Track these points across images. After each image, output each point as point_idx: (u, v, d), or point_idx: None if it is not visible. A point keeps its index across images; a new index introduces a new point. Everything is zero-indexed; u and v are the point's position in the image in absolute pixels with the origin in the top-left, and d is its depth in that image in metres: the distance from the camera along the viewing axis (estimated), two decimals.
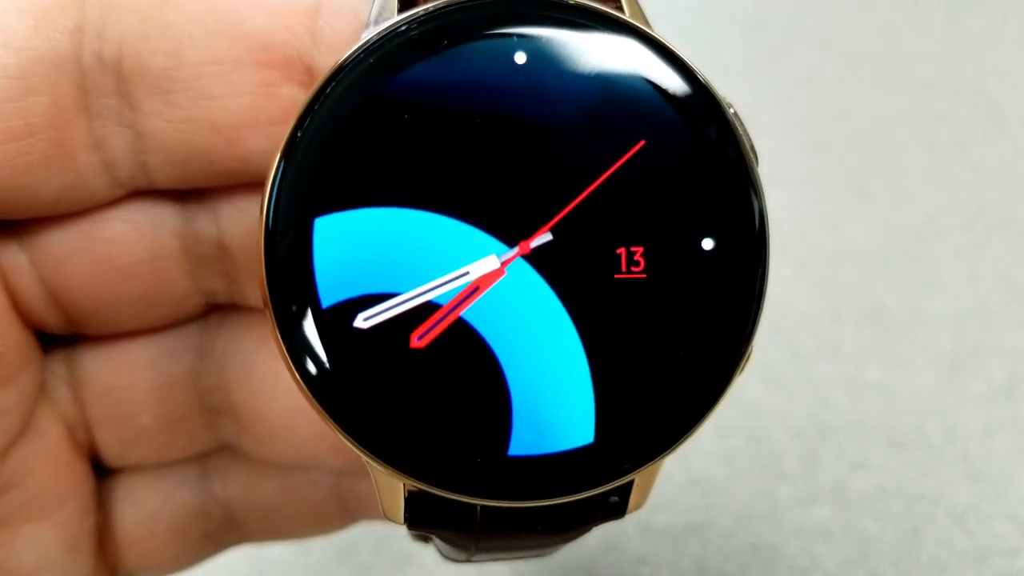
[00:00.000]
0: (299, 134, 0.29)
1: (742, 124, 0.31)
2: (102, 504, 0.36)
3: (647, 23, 0.32)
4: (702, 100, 0.31)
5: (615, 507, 0.32)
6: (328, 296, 0.29)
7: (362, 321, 0.29)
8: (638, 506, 0.32)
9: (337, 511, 0.38)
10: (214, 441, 0.36)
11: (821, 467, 0.53)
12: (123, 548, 0.37)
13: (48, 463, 0.34)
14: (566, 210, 0.30)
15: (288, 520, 0.37)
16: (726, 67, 0.79)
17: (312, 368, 0.29)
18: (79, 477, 0.35)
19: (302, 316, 0.29)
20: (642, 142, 0.30)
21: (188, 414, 0.35)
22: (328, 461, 0.36)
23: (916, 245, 0.66)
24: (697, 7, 0.89)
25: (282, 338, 0.29)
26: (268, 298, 0.29)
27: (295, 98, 0.31)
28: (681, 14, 0.87)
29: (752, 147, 0.31)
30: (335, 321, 0.29)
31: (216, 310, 0.35)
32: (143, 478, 0.37)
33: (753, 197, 0.31)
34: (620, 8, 0.32)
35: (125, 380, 0.35)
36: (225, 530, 0.38)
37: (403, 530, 0.32)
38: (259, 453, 0.36)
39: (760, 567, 0.49)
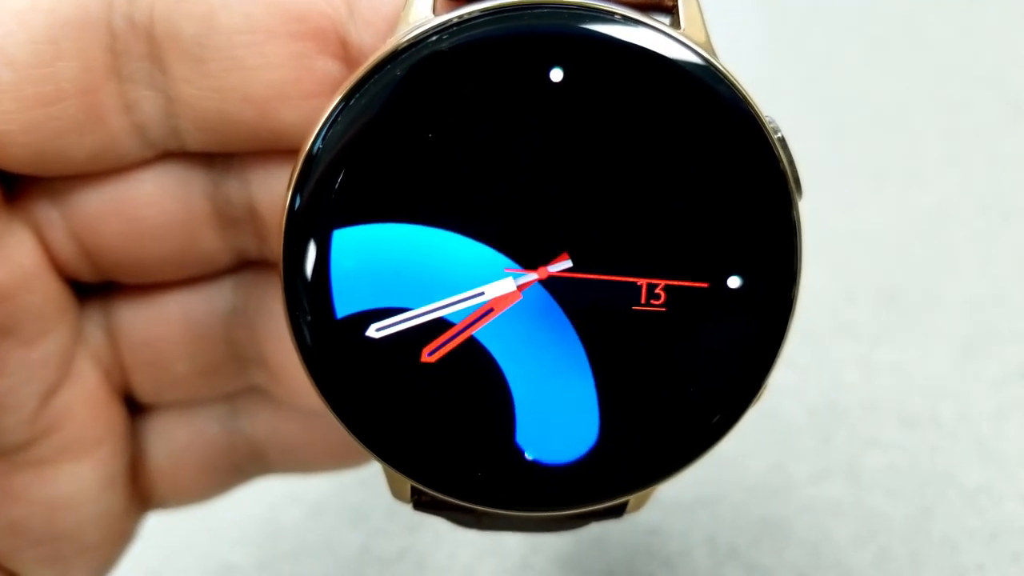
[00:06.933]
0: (319, 145, 0.29)
1: (787, 152, 0.29)
2: (135, 440, 0.37)
3: (705, 34, 0.30)
4: (744, 126, 0.29)
5: (612, 509, 0.32)
6: (343, 307, 0.30)
7: (374, 332, 0.30)
8: (636, 510, 0.32)
9: (359, 448, 0.38)
10: (244, 384, 0.37)
11: (834, 444, 0.54)
12: (155, 480, 0.38)
13: (87, 406, 0.34)
14: (588, 239, 0.29)
15: (311, 456, 0.38)
16: (745, 49, 0.79)
17: (325, 373, 0.30)
18: (115, 418, 0.36)
19: (317, 325, 0.30)
20: (676, 174, 0.29)
21: (221, 363, 0.36)
22: None
23: (932, 229, 0.66)
24: None
25: (298, 344, 0.30)
26: (286, 307, 0.30)
27: (329, 72, 0.30)
28: None
29: (796, 178, 0.30)
30: (348, 331, 0.30)
31: (250, 266, 0.35)
32: (175, 415, 0.37)
33: (789, 236, 0.30)
34: (676, 19, 0.30)
35: (160, 331, 0.35)
36: (250, 463, 0.38)
37: None
38: (287, 400, 0.36)
39: (770, 540, 0.50)
